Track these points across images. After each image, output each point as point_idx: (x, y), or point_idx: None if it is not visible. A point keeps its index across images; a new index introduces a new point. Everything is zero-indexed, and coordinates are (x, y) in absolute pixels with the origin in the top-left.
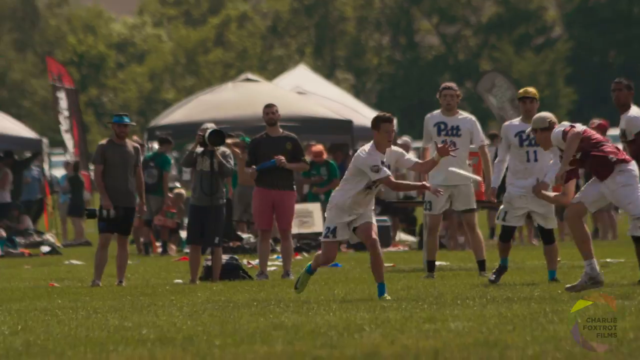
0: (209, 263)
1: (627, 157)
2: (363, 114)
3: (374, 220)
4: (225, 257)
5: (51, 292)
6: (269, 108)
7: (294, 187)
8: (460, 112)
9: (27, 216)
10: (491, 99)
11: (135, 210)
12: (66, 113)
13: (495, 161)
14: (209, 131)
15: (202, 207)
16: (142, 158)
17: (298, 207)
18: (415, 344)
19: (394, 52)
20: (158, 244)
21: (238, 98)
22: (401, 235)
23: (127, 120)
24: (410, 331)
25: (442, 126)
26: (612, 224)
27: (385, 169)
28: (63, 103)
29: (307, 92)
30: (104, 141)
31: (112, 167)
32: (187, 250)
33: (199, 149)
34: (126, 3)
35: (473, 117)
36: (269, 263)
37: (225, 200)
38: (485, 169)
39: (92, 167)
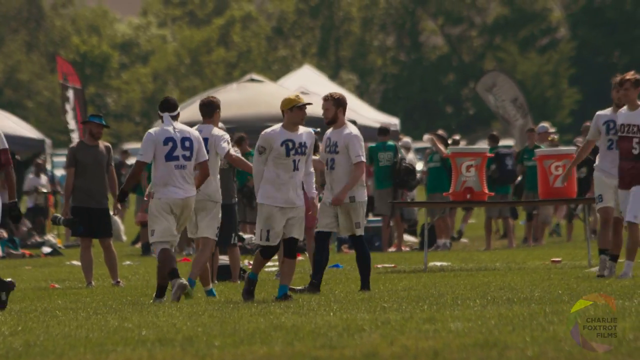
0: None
1: None
2: (366, 115)
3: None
4: (223, 258)
5: (52, 293)
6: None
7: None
8: None
9: (25, 219)
10: (490, 97)
11: (109, 211)
12: (72, 113)
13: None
14: None
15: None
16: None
17: None
18: (414, 344)
19: (398, 52)
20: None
21: (242, 98)
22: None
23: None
24: (410, 332)
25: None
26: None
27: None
28: (70, 102)
29: (311, 92)
30: (74, 144)
31: (84, 169)
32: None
33: None
34: (131, 4)
35: None
36: (270, 264)
37: (236, 200)
38: None
39: None
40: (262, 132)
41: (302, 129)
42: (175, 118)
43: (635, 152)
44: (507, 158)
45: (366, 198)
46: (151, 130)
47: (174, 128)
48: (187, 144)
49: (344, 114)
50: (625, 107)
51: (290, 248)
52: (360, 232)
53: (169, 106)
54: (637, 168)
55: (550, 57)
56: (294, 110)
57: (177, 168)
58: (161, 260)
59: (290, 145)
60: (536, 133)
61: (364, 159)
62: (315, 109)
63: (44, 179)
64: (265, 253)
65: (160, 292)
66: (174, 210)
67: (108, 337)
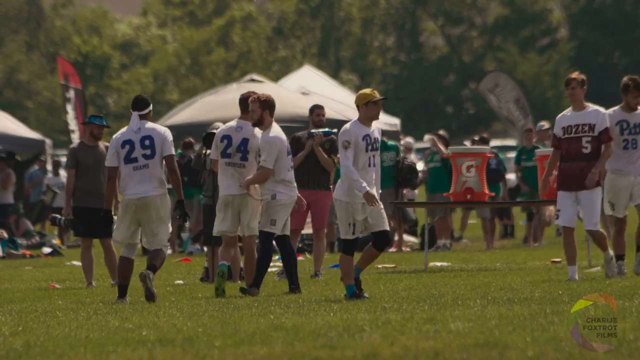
0: (206, 264)
1: None
2: None
3: None
4: None
5: (52, 293)
6: (320, 109)
7: (330, 186)
8: None
9: (26, 220)
10: (492, 98)
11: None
12: (73, 113)
13: None
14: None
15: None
16: None
17: None
18: (415, 344)
19: (398, 53)
20: None
21: None
22: (403, 237)
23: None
24: (411, 332)
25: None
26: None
27: None
28: (71, 103)
29: (311, 92)
30: (75, 144)
31: (85, 169)
32: (189, 250)
33: (208, 150)
34: (131, 4)
35: None
36: (271, 264)
37: None
38: None
39: None
40: (343, 128)
41: (374, 125)
42: (145, 117)
43: (586, 151)
44: (489, 158)
45: (287, 200)
46: (115, 135)
47: (135, 128)
48: (147, 142)
49: (271, 115)
50: (569, 109)
51: (382, 240)
52: (275, 229)
53: (138, 105)
54: (587, 170)
55: (550, 58)
56: (369, 106)
57: (135, 169)
58: (118, 269)
59: (368, 140)
60: (534, 132)
61: (269, 166)
62: (330, 112)
63: (63, 177)
64: (349, 249)
65: (122, 292)
66: (129, 211)
67: (108, 337)
